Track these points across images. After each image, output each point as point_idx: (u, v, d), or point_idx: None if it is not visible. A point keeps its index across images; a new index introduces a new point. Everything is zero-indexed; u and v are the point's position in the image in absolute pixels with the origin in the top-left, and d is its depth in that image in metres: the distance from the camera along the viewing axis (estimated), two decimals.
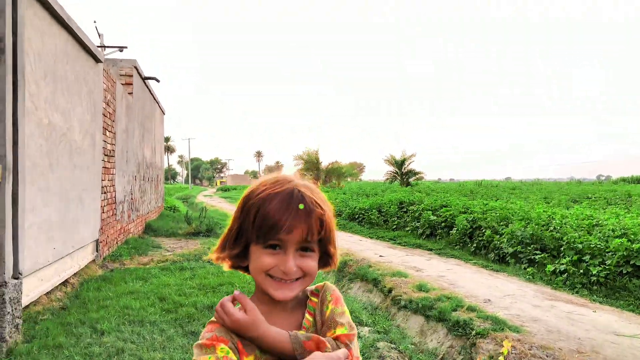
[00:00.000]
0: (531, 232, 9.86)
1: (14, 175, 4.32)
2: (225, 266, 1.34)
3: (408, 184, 35.05)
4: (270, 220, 1.19)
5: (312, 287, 1.38)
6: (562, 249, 9.12)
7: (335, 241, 1.32)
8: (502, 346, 5.09)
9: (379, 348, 4.90)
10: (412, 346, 5.60)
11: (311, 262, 1.26)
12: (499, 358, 3.16)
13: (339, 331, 1.27)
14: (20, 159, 4.41)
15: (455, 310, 6.14)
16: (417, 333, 6.22)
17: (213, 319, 1.27)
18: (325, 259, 1.34)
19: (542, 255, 9.18)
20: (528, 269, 8.98)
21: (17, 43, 4.31)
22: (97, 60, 7.64)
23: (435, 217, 13.50)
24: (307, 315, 1.32)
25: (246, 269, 1.34)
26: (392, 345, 5.19)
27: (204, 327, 4.31)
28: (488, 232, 10.86)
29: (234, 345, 1.22)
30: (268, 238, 1.21)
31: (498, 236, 10.62)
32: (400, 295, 7.15)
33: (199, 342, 1.21)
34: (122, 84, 10.86)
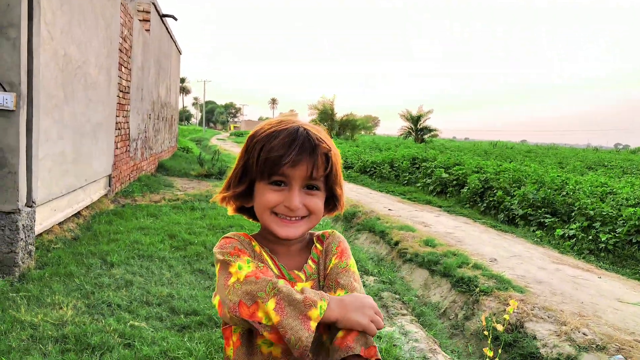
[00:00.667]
0: (543, 196, 9.79)
1: (28, 104, 4.31)
2: (230, 209, 1.33)
3: (422, 140, 34.77)
4: (274, 155, 1.17)
5: (319, 233, 1.35)
6: (573, 214, 9.07)
7: (341, 183, 1.29)
8: (506, 305, 5.15)
9: (383, 297, 4.97)
10: (416, 298, 5.67)
11: (317, 201, 1.23)
12: (504, 316, 3.18)
13: (339, 295, 1.22)
14: (35, 89, 4.38)
15: (460, 267, 6.18)
16: (421, 286, 6.29)
17: (227, 235, 1.26)
18: (332, 202, 1.31)
19: (552, 219, 9.15)
20: (537, 232, 8.97)
21: None
22: None
23: (447, 175, 13.44)
24: (310, 262, 1.29)
25: (250, 214, 1.33)
26: (396, 296, 5.25)
27: (212, 265, 4.35)
28: (499, 192, 10.81)
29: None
30: (272, 173, 1.19)
31: (509, 197, 10.57)
32: (407, 249, 7.19)
33: (221, 251, 1.20)
34: (139, 20, 10.68)
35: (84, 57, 6.20)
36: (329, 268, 1.27)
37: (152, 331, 3.42)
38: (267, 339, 1.11)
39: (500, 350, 3.49)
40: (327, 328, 1.19)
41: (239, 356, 1.21)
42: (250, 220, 1.33)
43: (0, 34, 3.96)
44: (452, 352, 4.21)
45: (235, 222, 6.93)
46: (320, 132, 1.24)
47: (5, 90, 4.02)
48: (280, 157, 1.16)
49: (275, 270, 1.24)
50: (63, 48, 5.38)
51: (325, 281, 1.26)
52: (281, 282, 1.12)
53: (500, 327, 2.94)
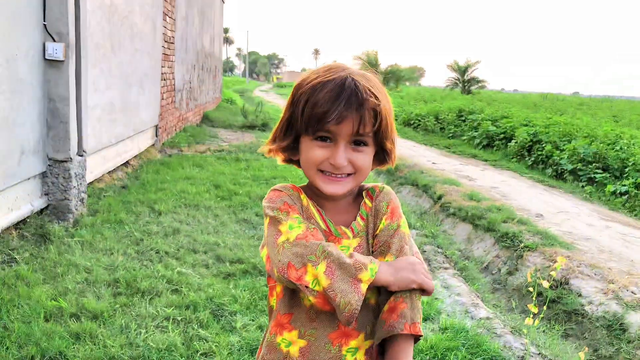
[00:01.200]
0: (595, 150, 9.43)
1: (77, 54, 4.37)
2: (279, 159, 1.29)
3: (469, 92, 33.77)
4: (318, 110, 1.11)
5: (368, 186, 1.29)
6: (626, 170, 8.73)
7: (393, 137, 1.22)
8: (552, 261, 5.06)
9: (425, 251, 4.96)
10: (458, 252, 5.64)
11: (364, 157, 1.18)
12: (550, 272, 3.12)
13: (388, 259, 1.19)
14: (83, 39, 4.44)
15: (505, 221, 6.08)
16: (463, 241, 6.24)
17: (276, 187, 1.24)
18: (382, 155, 1.25)
19: (604, 174, 8.84)
20: (586, 188, 8.70)
21: None
22: None
23: (494, 128, 13.08)
24: (358, 218, 1.25)
25: (299, 163, 1.28)
26: (439, 250, 5.24)
27: (256, 215, 4.41)
28: (548, 146, 10.47)
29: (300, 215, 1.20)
30: (317, 129, 1.14)
31: (558, 152, 10.23)
32: (450, 203, 7.11)
33: (271, 205, 1.19)
34: None
35: (129, 7, 6.22)
36: (379, 229, 1.22)
37: (199, 278, 3.53)
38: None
39: (544, 307, 3.44)
40: (378, 293, 1.18)
41: (282, 307, 1.21)
42: (300, 169, 1.28)
43: None
44: (494, 306, 4.19)
45: (279, 173, 6.98)
46: (371, 81, 1.16)
47: (54, 41, 4.09)
48: (324, 112, 1.10)
49: (322, 225, 1.22)
50: None
51: (374, 240, 1.23)
52: (331, 246, 1.10)
53: (546, 284, 2.89)
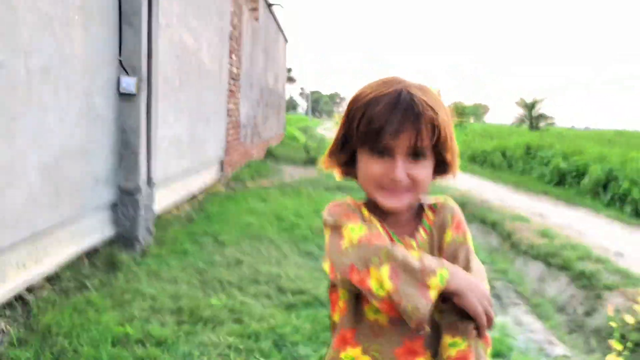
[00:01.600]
0: None
1: (148, 88, 4.55)
2: (337, 174, 1.27)
3: (537, 128, 32.84)
4: (374, 125, 1.08)
5: (430, 199, 1.24)
6: None
7: (454, 148, 1.17)
8: (634, 302, 4.68)
9: (495, 287, 4.72)
10: (531, 290, 5.34)
11: (423, 170, 1.13)
12: (635, 307, 2.87)
13: None
14: (154, 73, 4.62)
15: (581, 259, 5.72)
16: (536, 280, 5.91)
17: (335, 201, 1.22)
18: (443, 166, 1.20)
19: None
20: None
21: None
22: None
23: (565, 165, 12.54)
24: (421, 231, 1.19)
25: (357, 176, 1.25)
26: (510, 286, 4.98)
27: (318, 247, 4.34)
28: (626, 183, 9.89)
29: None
30: (373, 144, 1.11)
31: (638, 189, 9.64)
32: (521, 240, 6.80)
33: (332, 214, 1.16)
34: (248, 10, 11.00)
35: (197, 45, 6.47)
36: (446, 242, 1.18)
37: (261, 308, 3.48)
38: (375, 306, 1.05)
39: (628, 345, 3.16)
40: (442, 300, 1.10)
41: (345, 322, 1.16)
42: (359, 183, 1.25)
43: (125, 22, 4.20)
44: (571, 347, 3.90)
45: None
46: (428, 93, 1.13)
47: (128, 75, 4.27)
48: (381, 127, 1.08)
49: (385, 236, 1.16)
50: (179, 34, 5.64)
51: (440, 255, 1.17)
52: (397, 248, 1.05)
53: (630, 319, 2.64)
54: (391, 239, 1.16)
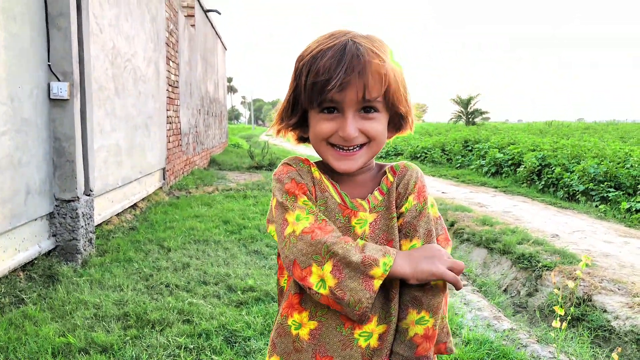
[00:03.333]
0: (605, 170, 9.33)
1: (81, 94, 4.41)
2: (291, 140, 1.22)
3: (473, 124, 33.92)
4: (320, 79, 1.03)
5: (392, 164, 1.19)
6: (639, 186, 8.60)
7: (407, 99, 1.13)
8: (573, 279, 4.91)
9: None
10: (477, 274, 5.50)
11: (376, 125, 1.09)
12: (570, 281, 3.01)
13: (415, 243, 1.10)
14: (87, 79, 4.48)
15: (520, 243, 5.96)
16: (480, 265, 6.10)
17: (286, 161, 1.17)
18: (397, 121, 1.16)
19: (617, 192, 8.70)
20: (600, 207, 8.56)
21: None
22: None
23: (501, 155, 13.02)
24: (376, 193, 1.14)
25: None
26: None
27: (267, 246, 4.33)
28: (558, 169, 10.38)
29: (310, 193, 1.13)
30: (321, 100, 1.05)
31: (568, 174, 10.13)
32: (463, 229, 7.00)
33: (280, 186, 1.13)
34: (184, 16, 10.84)
35: (132, 50, 6.32)
36: (405, 208, 1.12)
37: (210, 307, 3.43)
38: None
39: (565, 324, 3.30)
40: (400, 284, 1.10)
41: (293, 287, 1.14)
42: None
43: (52, 24, 4.06)
44: (517, 322, 4.05)
45: None
46: (375, 42, 1.08)
47: (59, 80, 4.12)
48: (326, 81, 1.02)
49: (337, 198, 1.13)
50: (112, 40, 5.49)
51: (398, 219, 1.12)
52: (338, 245, 1.02)
53: (571, 284, 2.78)
54: (343, 201, 1.13)
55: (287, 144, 31.83)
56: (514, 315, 4.82)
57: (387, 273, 1.00)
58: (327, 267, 1.00)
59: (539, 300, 5.00)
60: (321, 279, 1.00)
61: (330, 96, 1.04)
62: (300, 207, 1.08)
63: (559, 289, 3.43)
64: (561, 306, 3.61)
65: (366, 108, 1.08)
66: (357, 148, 1.10)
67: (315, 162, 1.20)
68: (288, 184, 1.12)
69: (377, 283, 1.00)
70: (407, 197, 1.12)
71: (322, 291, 1.00)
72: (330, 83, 1.02)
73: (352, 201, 1.14)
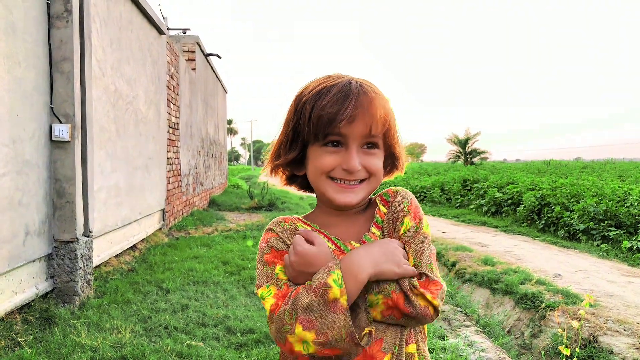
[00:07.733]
0: (605, 208, 9.32)
1: (82, 136, 4.44)
2: (281, 180, 1.23)
3: (472, 163, 34.07)
4: (328, 112, 1.05)
5: (380, 193, 1.20)
6: (639, 225, 8.59)
7: (401, 141, 1.17)
8: (578, 319, 4.84)
9: (444, 310, 4.77)
10: (479, 315, 5.42)
11: (377, 161, 1.11)
12: (574, 321, 2.96)
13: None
14: (89, 122, 4.53)
15: (523, 283, 5.90)
16: (482, 306, 6.02)
17: (270, 226, 1.17)
18: (390, 162, 1.19)
19: (617, 231, 8.68)
20: (602, 246, 8.51)
21: (84, 6, 4.40)
22: (160, 32, 7.76)
23: (500, 195, 13.04)
24: (373, 228, 1.14)
25: (302, 184, 1.23)
26: (458, 309, 5.05)
27: None
28: (557, 208, 10.38)
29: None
30: (327, 133, 1.07)
31: (568, 213, 10.12)
32: (465, 269, 6.94)
33: (260, 256, 1.13)
34: (185, 60, 11.04)
35: (133, 93, 6.41)
36: (404, 230, 1.12)
37: (209, 350, 3.37)
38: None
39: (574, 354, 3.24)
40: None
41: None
42: (301, 191, 1.23)
43: (55, 69, 4.13)
44: None
45: None
46: (373, 85, 1.13)
47: (61, 122, 4.16)
48: (335, 113, 1.04)
49: (330, 245, 1.12)
50: (114, 83, 5.57)
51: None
52: (293, 303, 1.01)
53: (575, 324, 2.73)
54: (337, 246, 1.13)
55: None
56: (518, 357, 4.74)
57: (343, 287, 0.99)
58: (298, 328, 0.99)
59: (543, 342, 4.91)
60: (302, 341, 0.99)
61: (337, 129, 1.06)
62: (272, 280, 1.09)
63: (563, 330, 3.37)
64: (567, 347, 3.55)
65: (369, 144, 1.10)
66: (358, 182, 1.11)
67: (302, 216, 1.21)
68: (267, 254, 1.13)
69: (344, 300, 0.98)
70: (403, 220, 1.13)
71: (310, 350, 0.99)
72: (340, 115, 1.04)
73: (346, 244, 1.14)
